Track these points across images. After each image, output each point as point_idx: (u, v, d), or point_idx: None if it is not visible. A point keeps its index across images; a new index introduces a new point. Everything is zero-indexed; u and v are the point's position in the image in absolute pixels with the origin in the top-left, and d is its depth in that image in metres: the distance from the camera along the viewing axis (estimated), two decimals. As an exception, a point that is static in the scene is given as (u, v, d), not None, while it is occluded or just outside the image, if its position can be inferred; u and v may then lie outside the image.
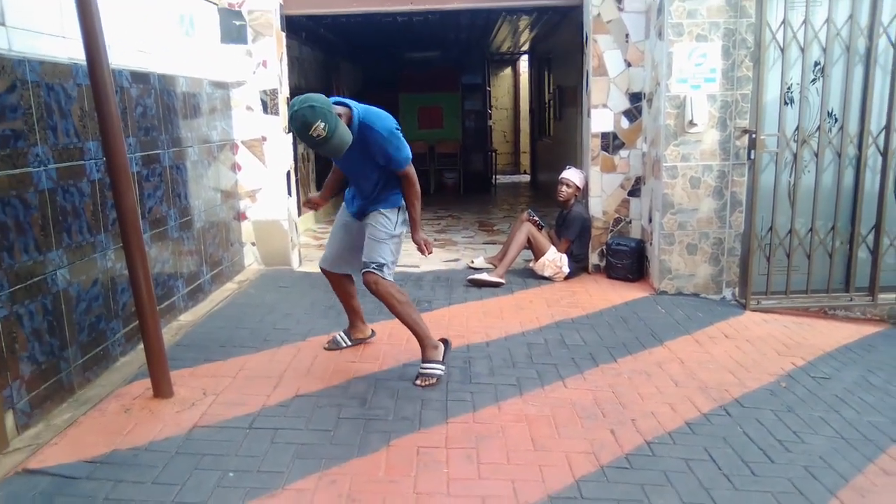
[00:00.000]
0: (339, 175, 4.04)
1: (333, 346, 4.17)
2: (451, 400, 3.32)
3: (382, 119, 3.49)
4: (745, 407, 3.44)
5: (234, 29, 5.74)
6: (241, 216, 6.05)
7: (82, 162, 3.60)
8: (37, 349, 3.19)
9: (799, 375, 3.88)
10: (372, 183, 3.68)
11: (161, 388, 3.44)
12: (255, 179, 6.01)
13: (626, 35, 5.60)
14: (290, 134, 6.15)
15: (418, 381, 3.62)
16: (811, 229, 5.09)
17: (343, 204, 3.99)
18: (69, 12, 3.30)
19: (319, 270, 4.13)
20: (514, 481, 2.73)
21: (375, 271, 3.62)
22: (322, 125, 3.09)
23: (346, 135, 3.22)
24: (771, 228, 5.06)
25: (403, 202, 3.74)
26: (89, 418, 3.23)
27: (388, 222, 3.69)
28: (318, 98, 3.18)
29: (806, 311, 5.14)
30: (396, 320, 4.67)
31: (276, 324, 4.60)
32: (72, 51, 3.51)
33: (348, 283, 4.13)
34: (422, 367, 3.68)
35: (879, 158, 5.05)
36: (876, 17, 4.81)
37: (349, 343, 4.20)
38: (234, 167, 5.94)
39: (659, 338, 4.41)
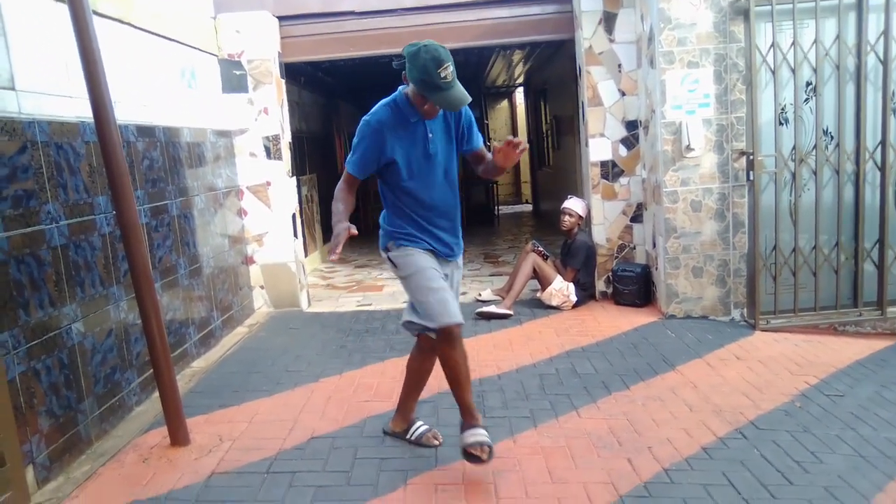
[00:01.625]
0: (353, 198, 3.15)
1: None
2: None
3: None
4: (760, 429, 3.44)
5: (234, 78, 5.86)
6: (248, 260, 6.10)
7: (93, 217, 3.66)
8: (54, 403, 3.22)
9: (813, 394, 3.88)
10: (455, 191, 3.12)
11: (178, 436, 3.46)
12: (262, 223, 6.08)
13: (619, 65, 5.70)
14: (284, 153, 6.24)
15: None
16: (815, 246, 5.11)
17: (409, 242, 3.07)
18: (75, 72, 3.39)
19: (412, 330, 3.19)
20: (533, 515, 2.73)
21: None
22: (451, 67, 2.71)
23: (465, 92, 2.80)
24: (775, 248, 5.09)
25: None
26: (108, 470, 3.24)
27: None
28: None
29: (816, 329, 5.14)
30: (405, 358, 4.70)
31: (288, 366, 4.62)
32: (78, 109, 3.60)
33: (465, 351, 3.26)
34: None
35: (878, 173, 5.09)
36: (862, 35, 4.90)
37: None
38: (241, 213, 6.02)
39: (670, 362, 4.42)
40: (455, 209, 3.14)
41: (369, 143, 2.91)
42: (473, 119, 3.12)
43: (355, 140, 2.95)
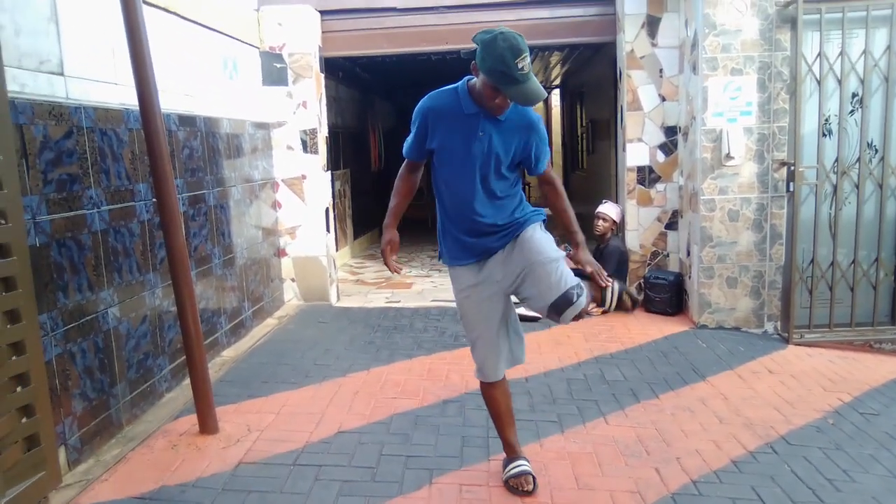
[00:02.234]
0: (407, 197, 3.04)
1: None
2: (493, 437, 3.30)
3: None
4: (791, 444, 3.38)
5: (275, 71, 5.91)
6: (280, 253, 6.15)
7: (133, 203, 3.72)
8: (88, 386, 3.28)
9: (846, 412, 3.80)
10: (494, 207, 2.80)
11: (207, 425, 3.50)
12: (295, 217, 6.13)
13: (661, 70, 5.64)
14: (320, 147, 6.27)
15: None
16: (854, 261, 5.01)
17: (450, 258, 2.92)
18: (122, 60, 3.45)
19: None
20: (558, 520, 2.72)
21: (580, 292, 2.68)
22: (528, 58, 2.47)
23: (541, 87, 2.55)
24: (812, 261, 5.00)
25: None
26: (138, 454, 3.29)
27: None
28: None
29: (851, 345, 5.04)
30: (435, 356, 4.71)
31: (316, 360, 4.65)
32: (123, 96, 3.66)
33: (507, 389, 3.06)
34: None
35: (922, 189, 4.98)
36: (915, 47, 4.79)
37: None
38: (275, 205, 6.07)
39: (701, 373, 4.36)
40: (486, 227, 2.78)
41: (417, 126, 2.78)
42: (544, 139, 2.80)
43: (414, 121, 2.81)
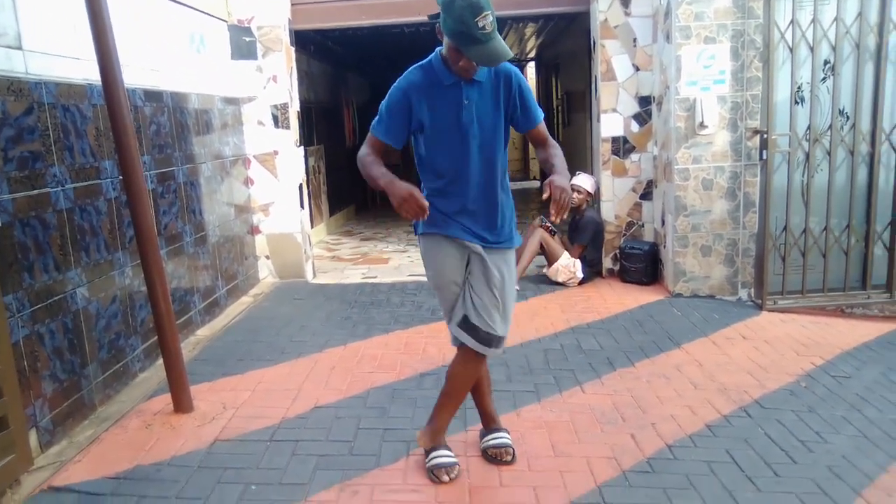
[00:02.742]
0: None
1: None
2: (470, 408, 3.29)
3: None
4: (765, 408, 3.42)
5: (244, 45, 5.79)
6: (254, 230, 6.09)
7: (99, 181, 3.64)
8: (58, 367, 3.23)
9: (819, 375, 3.85)
10: (495, 172, 2.68)
11: (181, 403, 3.47)
12: (268, 193, 6.05)
13: (634, 39, 5.61)
14: (292, 122, 6.19)
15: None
16: (826, 228, 5.06)
17: (433, 227, 2.72)
18: (84, 34, 3.34)
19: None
20: (535, 488, 2.73)
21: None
22: (491, 17, 2.36)
23: (506, 46, 2.45)
24: (785, 228, 5.04)
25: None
26: (111, 434, 3.25)
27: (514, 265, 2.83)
28: None
29: (823, 311, 5.10)
30: (412, 330, 4.71)
31: (292, 336, 4.62)
32: (86, 71, 3.56)
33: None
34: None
35: (893, 155, 5.02)
36: (886, 13, 4.79)
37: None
38: (247, 182, 5.99)
39: (676, 341, 4.40)
40: (491, 195, 2.67)
41: (395, 106, 2.62)
42: (528, 89, 2.67)
43: (385, 104, 2.65)
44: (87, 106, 3.59)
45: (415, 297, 5.52)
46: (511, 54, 2.44)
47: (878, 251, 5.15)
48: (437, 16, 2.50)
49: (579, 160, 8.64)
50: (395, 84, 2.64)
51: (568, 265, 5.75)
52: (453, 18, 2.38)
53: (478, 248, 2.68)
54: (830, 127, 4.95)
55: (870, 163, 5.03)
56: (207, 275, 5.03)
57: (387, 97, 2.65)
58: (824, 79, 4.97)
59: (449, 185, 2.67)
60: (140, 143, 4.11)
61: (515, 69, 2.67)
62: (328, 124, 9.67)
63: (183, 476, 2.86)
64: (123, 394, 3.75)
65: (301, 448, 3.06)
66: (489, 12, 2.35)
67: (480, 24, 2.34)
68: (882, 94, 4.90)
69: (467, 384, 2.85)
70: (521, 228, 8.66)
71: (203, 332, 4.77)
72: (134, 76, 4.11)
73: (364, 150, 2.68)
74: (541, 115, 2.71)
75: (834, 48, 4.86)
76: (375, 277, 6.36)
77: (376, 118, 2.68)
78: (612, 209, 5.90)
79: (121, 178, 3.44)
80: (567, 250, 5.85)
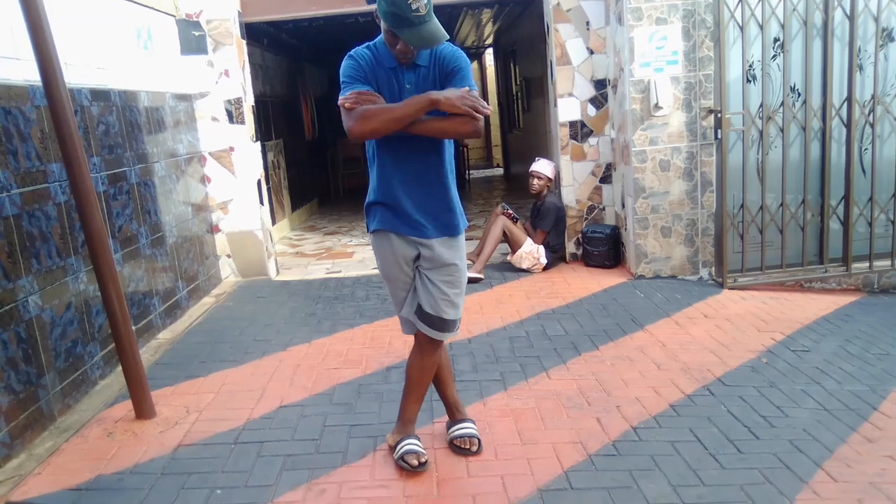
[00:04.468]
0: None
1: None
2: (436, 400, 3.28)
3: None
4: (727, 385, 3.47)
5: (193, 40, 5.67)
6: (214, 229, 5.99)
7: (46, 185, 3.54)
8: (13, 379, 3.13)
9: (779, 350, 3.92)
10: (435, 156, 2.66)
11: (143, 409, 3.40)
12: (226, 190, 5.95)
13: (587, 22, 5.62)
14: (247, 117, 6.10)
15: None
16: (782, 204, 5.14)
17: (378, 222, 2.72)
18: (22, 33, 3.24)
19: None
20: (503, 477, 2.73)
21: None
22: (425, 0, 2.37)
23: (442, 29, 2.45)
24: (742, 206, 5.11)
25: None
26: (72, 445, 3.18)
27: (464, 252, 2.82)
28: None
29: (782, 286, 5.19)
30: (377, 323, 4.68)
31: (256, 335, 4.56)
32: (27, 72, 3.45)
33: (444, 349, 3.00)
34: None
35: (844, 130, 5.11)
36: (830, -10, 4.87)
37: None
38: (204, 179, 5.88)
39: (639, 322, 4.44)
40: (436, 183, 2.66)
41: (357, 67, 2.55)
42: (465, 68, 2.58)
43: (343, 75, 2.58)
44: (30, 108, 3.48)
45: (380, 291, 5.49)
46: (446, 37, 2.44)
47: (834, 225, 5.25)
48: (375, 0, 2.48)
49: (541, 145, 8.65)
50: (345, 60, 2.61)
51: (531, 251, 5.77)
52: (387, 1, 2.38)
53: (424, 240, 2.67)
54: (782, 104, 5.02)
55: (822, 138, 5.12)
56: (167, 276, 4.93)
57: (343, 68, 2.60)
58: (775, 56, 5.03)
59: (395, 176, 2.64)
60: (88, 144, 4.01)
61: (455, 49, 2.64)
62: (286, 118, 9.54)
63: (146, 484, 2.81)
64: (84, 402, 3.66)
65: (266, 449, 3.03)
66: None
67: (414, 7, 2.34)
68: (831, 70, 4.99)
69: (428, 372, 2.86)
70: (485, 216, 8.69)
71: (164, 336, 4.68)
72: (79, 75, 4.00)
73: (356, 112, 2.49)
74: (472, 85, 2.58)
75: (783, 26, 4.92)
76: (340, 272, 6.31)
77: (342, 87, 2.58)
78: (573, 194, 5.92)
79: (68, 181, 3.35)
80: (530, 236, 5.86)
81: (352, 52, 2.62)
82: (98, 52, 4.28)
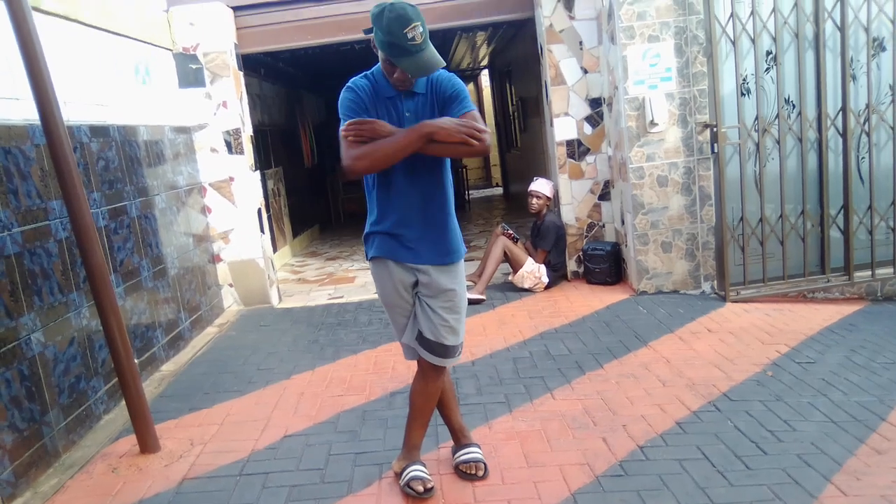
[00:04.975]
0: None
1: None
2: (441, 424, 3.27)
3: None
4: (733, 400, 3.45)
5: (190, 73, 5.73)
6: (215, 258, 6.00)
7: (47, 222, 3.56)
8: (17, 417, 3.13)
9: (784, 362, 3.90)
10: (436, 184, 2.67)
11: (147, 443, 3.39)
12: (227, 220, 5.98)
13: (580, 42, 5.66)
14: (246, 147, 6.13)
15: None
16: (781, 215, 5.14)
17: (376, 249, 2.73)
18: (20, 73, 3.27)
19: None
20: (510, 501, 2.71)
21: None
22: (421, 28, 2.39)
23: (438, 55, 2.48)
24: (742, 218, 5.11)
25: None
26: (77, 482, 3.17)
27: (464, 277, 2.82)
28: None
29: (785, 297, 5.18)
30: (381, 348, 4.67)
31: (259, 364, 4.56)
32: (26, 112, 3.48)
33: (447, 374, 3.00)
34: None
35: (840, 139, 5.12)
36: (820, 3, 4.90)
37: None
38: (204, 210, 5.91)
39: (643, 339, 4.42)
40: (435, 211, 2.66)
41: (356, 99, 2.55)
42: (462, 91, 2.60)
43: (342, 108, 2.58)
44: (30, 147, 3.50)
45: (382, 315, 5.48)
46: (443, 63, 2.47)
47: (835, 234, 5.24)
48: (371, 30, 2.51)
49: (539, 164, 8.66)
50: (343, 92, 2.61)
51: (533, 271, 5.77)
52: (383, 31, 2.41)
53: (424, 267, 2.67)
54: (777, 116, 5.04)
55: (818, 148, 5.13)
56: (169, 308, 4.94)
57: (341, 101, 2.61)
58: (768, 69, 5.06)
59: (393, 204, 2.65)
60: (88, 180, 4.04)
61: (450, 75, 2.65)
62: (285, 146, 9.60)
63: (151, 519, 2.80)
64: (88, 438, 3.65)
65: (271, 480, 3.01)
66: (418, 23, 2.38)
67: (410, 36, 2.37)
68: (824, 81, 5.01)
69: (432, 398, 2.85)
70: (486, 236, 8.70)
71: (168, 368, 4.68)
72: (78, 112, 4.04)
73: (351, 151, 2.49)
74: (472, 106, 2.60)
75: (774, 39, 4.95)
76: (342, 297, 6.31)
77: (343, 118, 2.58)
78: (572, 212, 5.94)
79: (69, 218, 3.37)
80: (531, 256, 5.86)
81: (350, 84, 2.63)
82: (96, 88, 4.33)
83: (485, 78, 15.86)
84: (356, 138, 2.50)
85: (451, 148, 2.51)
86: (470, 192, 13.95)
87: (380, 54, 2.51)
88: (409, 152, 2.48)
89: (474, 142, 2.47)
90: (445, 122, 2.48)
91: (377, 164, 2.50)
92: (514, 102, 11.41)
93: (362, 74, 2.65)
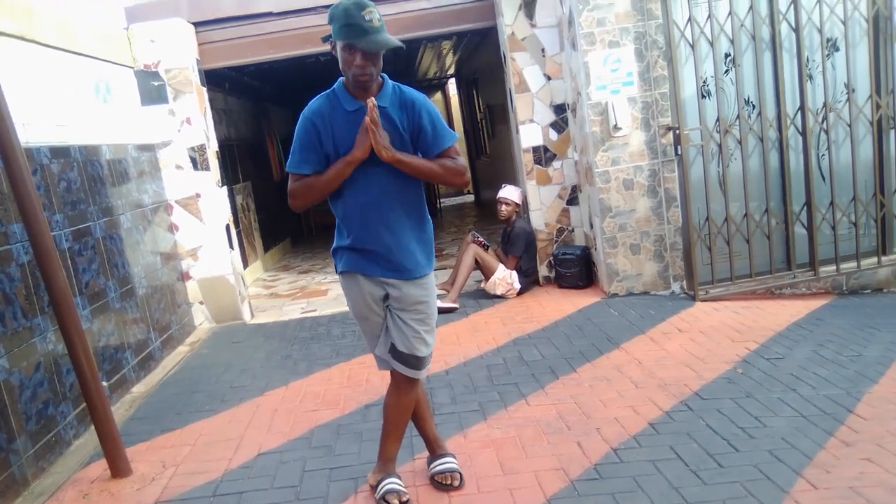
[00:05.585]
0: None
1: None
2: (415, 436, 3.26)
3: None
4: (705, 399, 3.49)
5: (153, 90, 5.67)
6: (184, 276, 5.94)
7: (8, 247, 3.49)
8: (-19, 447, 3.06)
9: (754, 359, 3.96)
10: (411, 193, 2.69)
11: (118, 467, 3.33)
12: (195, 237, 5.92)
13: (543, 50, 5.71)
14: (211, 162, 6.08)
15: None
16: (746, 214, 5.22)
17: (346, 265, 2.73)
18: (-26, 97, 3.22)
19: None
20: (487, 510, 2.71)
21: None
22: (377, 15, 2.46)
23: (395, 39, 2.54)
24: (707, 218, 5.18)
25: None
26: (46, 510, 3.11)
27: (434, 288, 2.84)
28: None
29: (753, 294, 5.25)
30: (354, 361, 4.65)
31: (232, 382, 4.51)
32: (-17, 135, 3.42)
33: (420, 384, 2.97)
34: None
35: (800, 138, 5.22)
36: (774, 5, 5.00)
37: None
38: (171, 228, 5.84)
39: (615, 341, 4.45)
40: (403, 224, 2.66)
41: (305, 137, 2.61)
42: (436, 114, 2.65)
43: (294, 139, 2.64)
44: (-12, 170, 3.44)
45: (355, 327, 5.45)
46: (399, 43, 2.52)
47: (799, 231, 5.34)
48: (329, 37, 2.57)
49: (506, 172, 8.71)
50: (299, 119, 2.63)
51: (504, 277, 5.79)
52: (340, 18, 2.47)
53: (393, 280, 2.66)
54: (738, 117, 5.13)
55: (779, 147, 5.22)
56: (138, 328, 4.87)
57: (296, 130, 2.64)
58: (727, 71, 5.15)
59: (360, 218, 2.64)
60: (50, 202, 3.97)
61: (422, 96, 2.67)
62: (253, 160, 9.53)
63: (124, 545, 2.75)
64: (58, 464, 3.58)
65: (245, 500, 2.98)
66: (374, 9, 2.47)
67: (367, 17, 2.44)
68: (782, 81, 5.10)
69: (406, 410, 2.84)
70: (458, 244, 8.71)
71: (139, 389, 4.61)
72: (38, 134, 3.97)
73: (294, 185, 2.65)
74: (452, 138, 2.66)
75: (732, 41, 5.04)
76: (315, 311, 6.27)
77: (290, 155, 2.64)
78: (542, 217, 5.97)
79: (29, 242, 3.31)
80: (502, 262, 5.88)
81: (306, 110, 2.64)
82: (56, 109, 4.27)
83: (452, 86, 15.90)
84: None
85: (424, 175, 2.65)
86: (441, 200, 13.96)
87: (339, 51, 2.51)
88: (338, 182, 2.59)
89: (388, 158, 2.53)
90: (358, 150, 2.55)
91: (311, 202, 2.70)
92: (482, 110, 11.46)
93: (323, 93, 2.65)
